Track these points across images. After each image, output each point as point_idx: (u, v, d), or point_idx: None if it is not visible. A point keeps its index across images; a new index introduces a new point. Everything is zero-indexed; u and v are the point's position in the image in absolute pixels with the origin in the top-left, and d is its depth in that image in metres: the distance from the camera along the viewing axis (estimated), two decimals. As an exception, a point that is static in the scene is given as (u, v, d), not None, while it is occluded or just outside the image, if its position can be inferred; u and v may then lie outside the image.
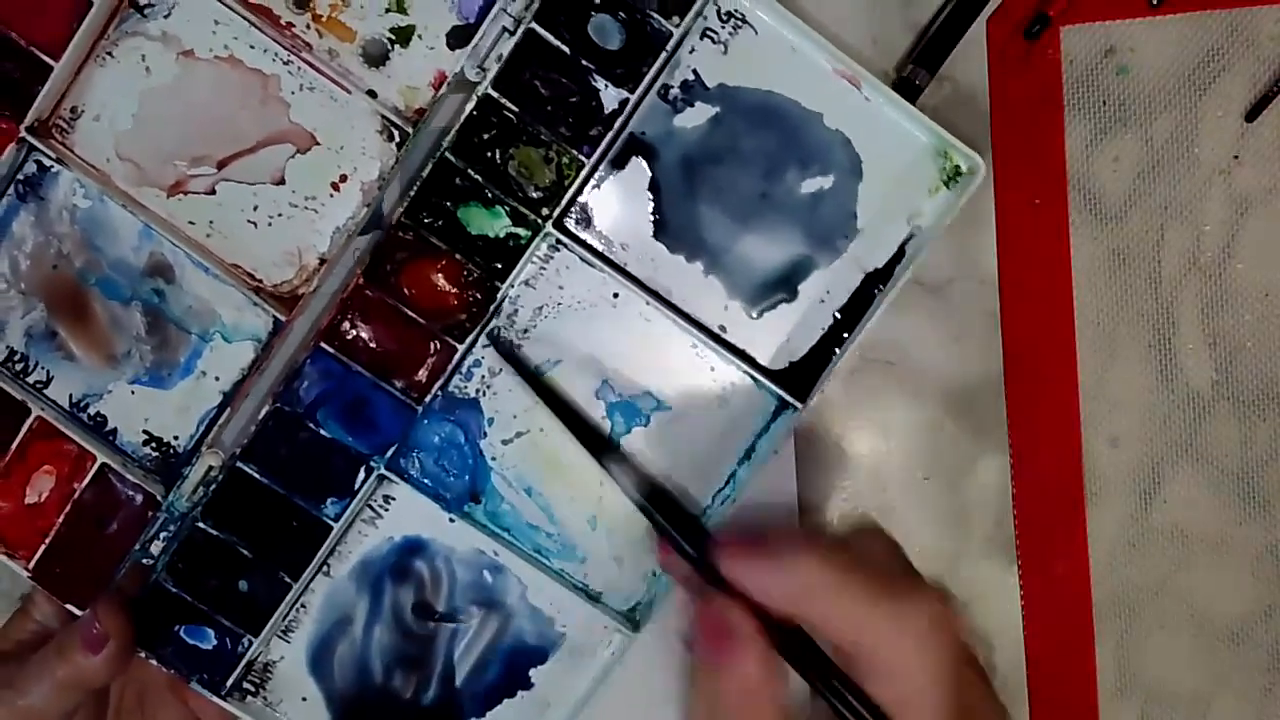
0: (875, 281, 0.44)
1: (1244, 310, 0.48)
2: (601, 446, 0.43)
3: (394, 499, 0.44)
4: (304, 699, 0.45)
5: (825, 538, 0.47)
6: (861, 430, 0.48)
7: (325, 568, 0.44)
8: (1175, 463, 0.49)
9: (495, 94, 0.41)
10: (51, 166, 0.42)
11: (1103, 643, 0.50)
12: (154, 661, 0.43)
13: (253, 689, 0.45)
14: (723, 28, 0.42)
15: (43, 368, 0.44)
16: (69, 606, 0.43)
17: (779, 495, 0.47)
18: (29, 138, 0.41)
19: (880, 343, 0.48)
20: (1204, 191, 0.47)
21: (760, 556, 0.39)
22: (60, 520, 0.43)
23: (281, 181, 0.43)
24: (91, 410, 0.44)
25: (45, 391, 0.44)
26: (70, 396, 0.44)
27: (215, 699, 0.44)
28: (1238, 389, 0.48)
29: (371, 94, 0.42)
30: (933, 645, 0.37)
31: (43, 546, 0.43)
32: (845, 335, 0.44)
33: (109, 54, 0.42)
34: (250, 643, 0.44)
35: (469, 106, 0.41)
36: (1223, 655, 0.50)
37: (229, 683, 0.44)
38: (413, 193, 0.42)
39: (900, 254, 0.44)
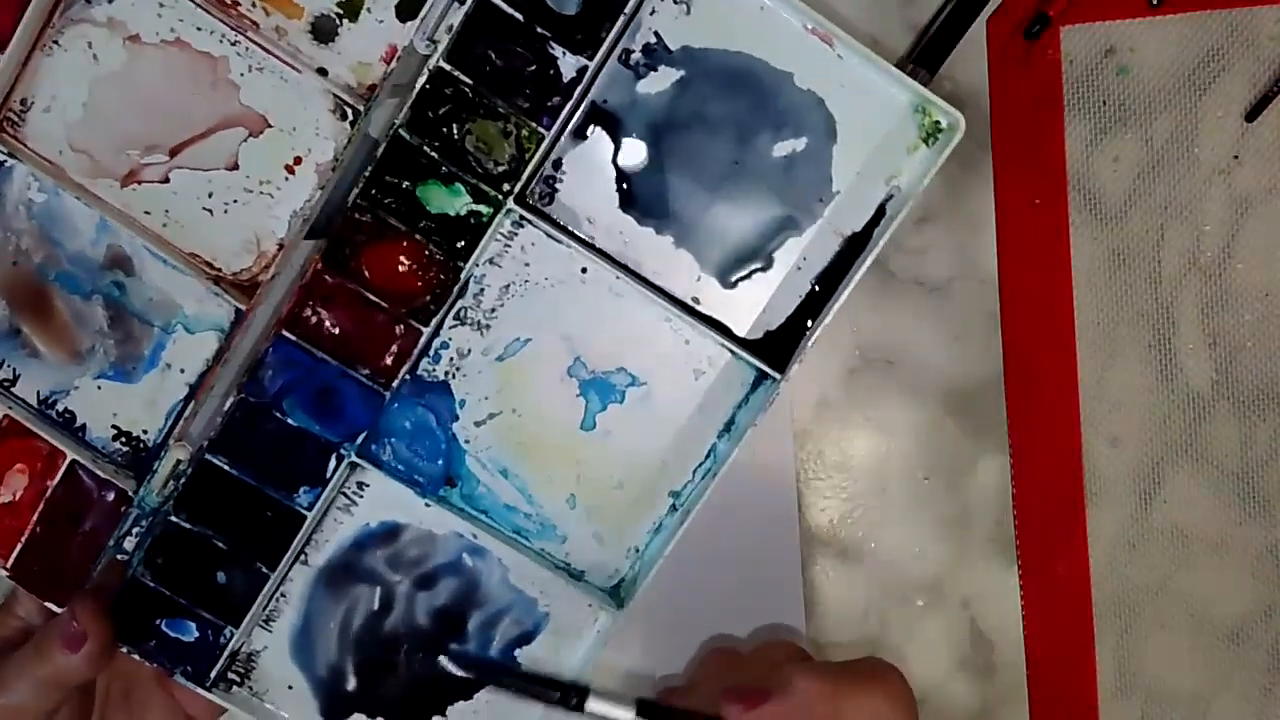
0: (854, 245, 0.42)
1: (1244, 310, 0.47)
2: (578, 695, 0.41)
3: (368, 485, 0.44)
4: (289, 687, 0.45)
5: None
6: (861, 430, 0.48)
7: (302, 556, 0.44)
8: (1175, 463, 0.49)
9: (448, 67, 0.40)
10: (5, 161, 0.41)
11: (1103, 643, 0.50)
12: (136, 656, 0.43)
13: (238, 679, 0.45)
14: (684, -14, 0.40)
15: (9, 366, 0.43)
16: (49, 604, 0.43)
17: (779, 497, 0.47)
18: (-21, 132, 0.40)
19: (880, 343, 0.47)
20: (1204, 191, 0.47)
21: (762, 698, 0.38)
22: (35, 518, 0.43)
23: (235, 166, 0.41)
24: (60, 407, 0.43)
25: (12, 390, 0.43)
26: (38, 394, 0.43)
27: (200, 690, 0.43)
28: (1238, 389, 0.48)
29: (322, 72, 0.41)
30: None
31: (19, 545, 0.43)
32: (824, 303, 0.42)
33: (55, 43, 0.41)
34: (231, 634, 0.43)
35: (420, 81, 0.40)
36: (1223, 655, 0.50)
37: (213, 674, 0.43)
38: (368, 173, 0.40)
39: (879, 216, 0.42)
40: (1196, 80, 0.46)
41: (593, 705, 0.39)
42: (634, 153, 0.42)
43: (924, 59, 0.44)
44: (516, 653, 0.45)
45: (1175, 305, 0.47)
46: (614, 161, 0.42)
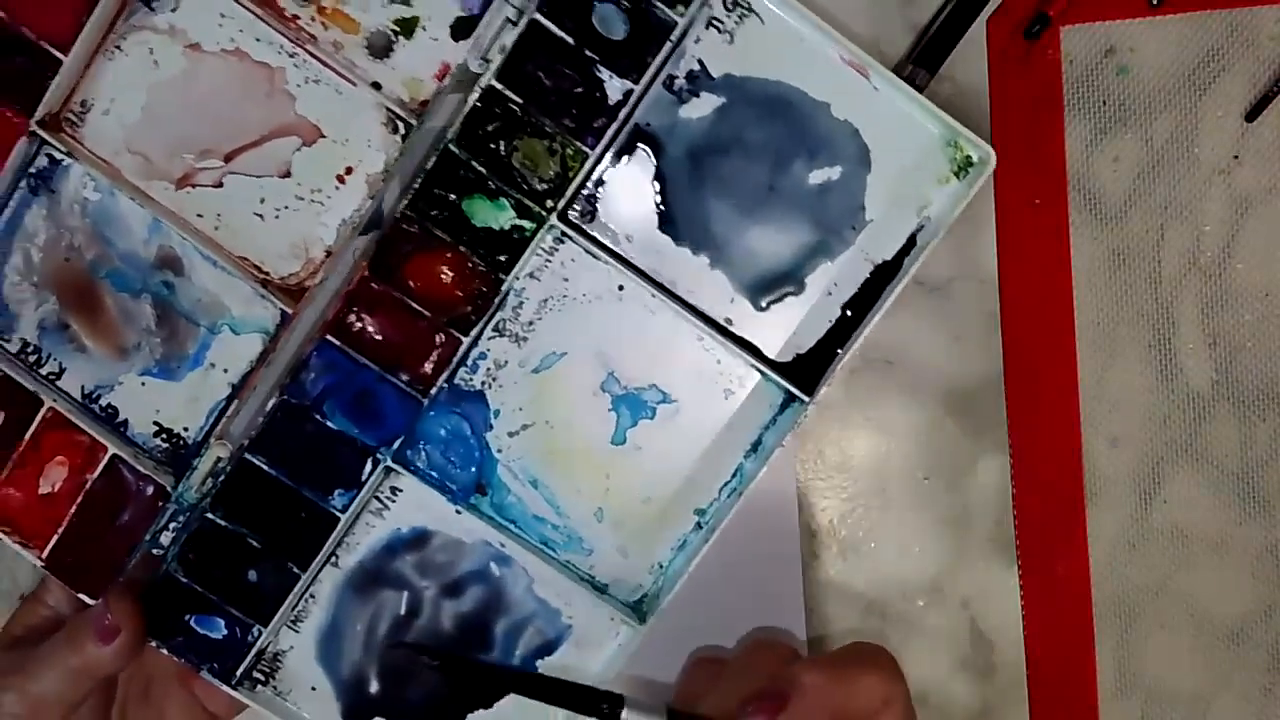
0: (884, 274, 0.43)
1: (1244, 310, 0.48)
2: (611, 704, 0.40)
3: (401, 490, 0.44)
4: (313, 688, 0.46)
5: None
6: (861, 430, 0.48)
7: (333, 559, 0.45)
8: (1175, 463, 0.49)
9: (499, 85, 0.41)
10: (62, 160, 0.43)
11: (1103, 643, 0.50)
12: (165, 651, 0.44)
13: (263, 678, 0.45)
14: (728, 17, 0.42)
15: (55, 359, 0.44)
16: (81, 596, 0.44)
17: (779, 496, 0.48)
18: (40, 131, 0.42)
19: (880, 343, 0.48)
20: (1204, 191, 0.47)
21: (782, 702, 0.38)
22: (73, 510, 0.43)
23: (287, 174, 0.43)
24: (103, 401, 0.44)
25: (58, 383, 0.44)
26: (82, 388, 0.44)
27: (226, 688, 0.44)
28: (1238, 389, 0.48)
29: (376, 86, 0.42)
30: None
31: (55, 536, 0.43)
32: (853, 328, 0.43)
33: (117, 48, 0.42)
34: (260, 632, 0.44)
35: (472, 98, 0.41)
36: (1223, 655, 0.50)
37: (239, 672, 0.44)
38: (416, 185, 0.42)
39: (910, 245, 0.43)
40: (1196, 80, 0.46)
41: (628, 716, 0.39)
42: (675, 175, 0.43)
43: (924, 59, 0.44)
44: (538, 663, 0.46)
45: (1175, 305, 0.48)
46: (654, 182, 0.43)
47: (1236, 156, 0.47)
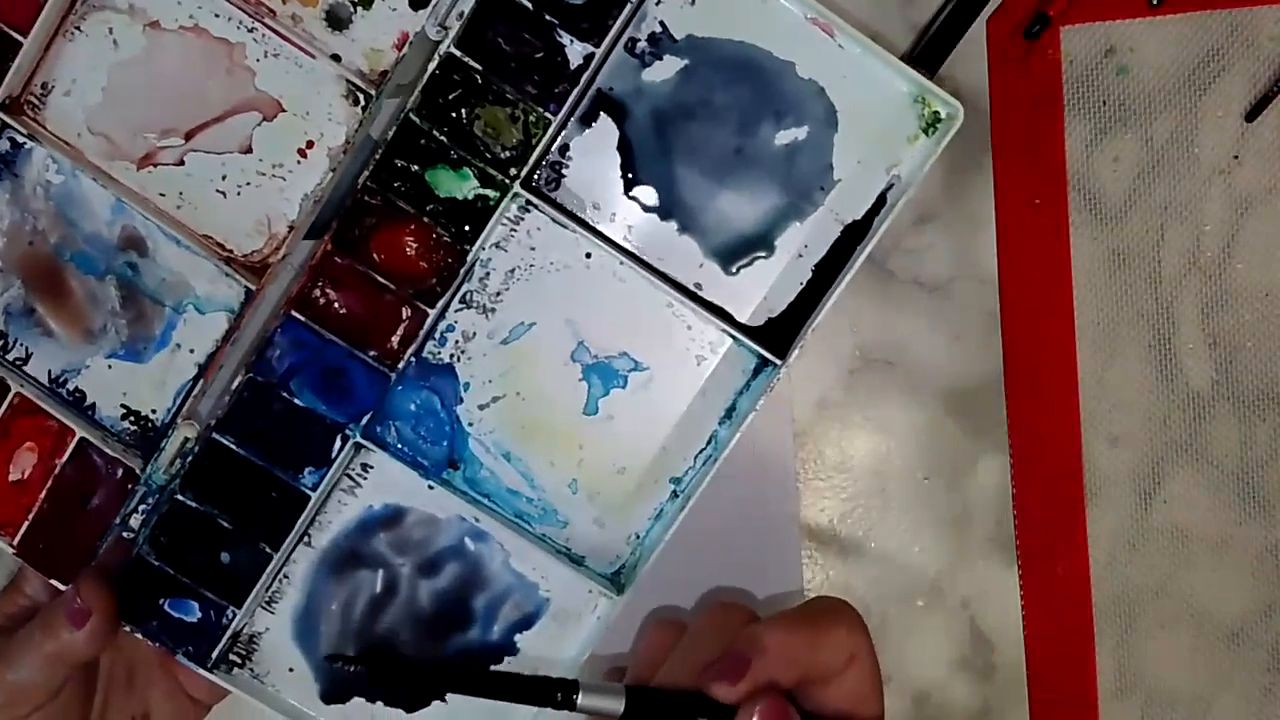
0: (854, 233, 0.43)
1: (1244, 310, 0.48)
2: (566, 691, 0.38)
3: (372, 467, 0.44)
4: (291, 669, 0.45)
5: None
6: (861, 430, 0.48)
7: (306, 538, 0.44)
8: (1175, 463, 0.49)
9: (458, 53, 0.41)
10: (24, 143, 0.42)
11: (1103, 643, 0.50)
12: (139, 635, 0.43)
13: (239, 660, 0.45)
14: (690, -22, 0.41)
15: (22, 344, 0.44)
16: (54, 582, 0.43)
17: (780, 497, 0.48)
18: (1, 115, 0.41)
19: (880, 343, 0.47)
20: (1204, 191, 0.47)
21: (745, 666, 0.37)
22: (43, 496, 0.43)
23: (249, 150, 0.42)
24: (70, 386, 0.44)
25: (25, 368, 0.44)
26: (49, 372, 0.44)
27: (202, 671, 0.44)
28: (1238, 389, 0.48)
29: (335, 58, 0.42)
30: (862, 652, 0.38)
31: (26, 523, 0.43)
32: (825, 290, 0.43)
33: (77, 28, 0.42)
34: (234, 614, 0.43)
35: (431, 66, 0.41)
36: (1223, 655, 0.50)
37: (215, 655, 0.44)
38: (378, 156, 0.41)
39: (880, 204, 0.43)
40: (1196, 80, 0.46)
41: (584, 701, 0.37)
42: (639, 140, 0.43)
43: (924, 59, 0.44)
44: (517, 637, 0.45)
45: (1175, 305, 0.47)
46: (619, 148, 0.42)
47: (1236, 156, 0.47)
